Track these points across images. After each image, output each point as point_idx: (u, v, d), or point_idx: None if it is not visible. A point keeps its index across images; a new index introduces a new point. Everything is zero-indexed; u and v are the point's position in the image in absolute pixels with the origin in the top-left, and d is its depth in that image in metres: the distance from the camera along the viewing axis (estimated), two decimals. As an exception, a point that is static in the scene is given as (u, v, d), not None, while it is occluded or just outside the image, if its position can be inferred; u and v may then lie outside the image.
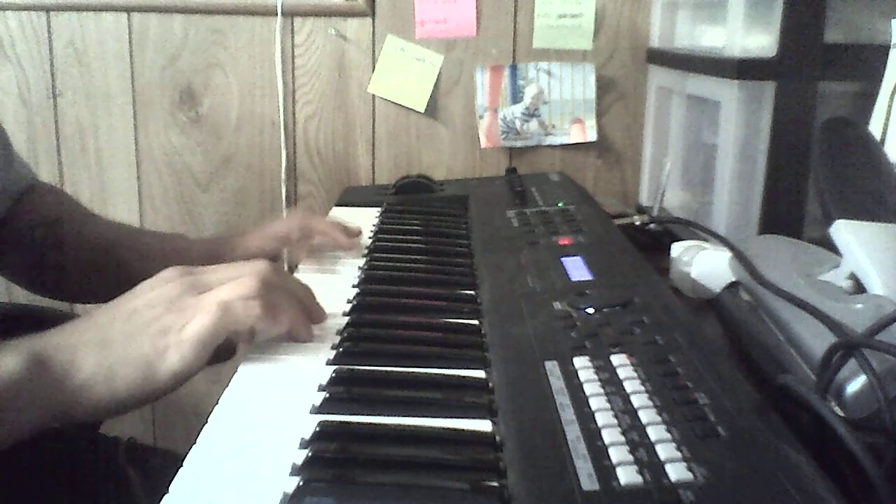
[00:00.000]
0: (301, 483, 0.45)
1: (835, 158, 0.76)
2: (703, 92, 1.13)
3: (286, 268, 1.25)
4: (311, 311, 0.67)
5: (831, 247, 0.72)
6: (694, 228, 1.02)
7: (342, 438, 0.51)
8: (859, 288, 0.68)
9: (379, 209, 1.10)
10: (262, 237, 0.96)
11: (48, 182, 1.04)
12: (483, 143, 1.42)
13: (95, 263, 0.95)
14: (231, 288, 0.60)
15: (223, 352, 0.62)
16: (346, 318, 0.70)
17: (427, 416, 0.54)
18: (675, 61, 1.25)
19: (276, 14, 1.38)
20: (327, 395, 0.56)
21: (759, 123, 0.99)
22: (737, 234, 0.98)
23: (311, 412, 0.55)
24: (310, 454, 0.48)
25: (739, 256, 0.79)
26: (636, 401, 0.51)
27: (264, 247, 0.95)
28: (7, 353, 0.55)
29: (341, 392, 0.56)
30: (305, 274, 0.86)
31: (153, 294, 0.60)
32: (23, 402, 0.54)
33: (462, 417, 0.53)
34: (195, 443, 0.50)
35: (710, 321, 0.81)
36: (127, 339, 0.57)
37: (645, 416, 0.49)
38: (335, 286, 0.79)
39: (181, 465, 0.48)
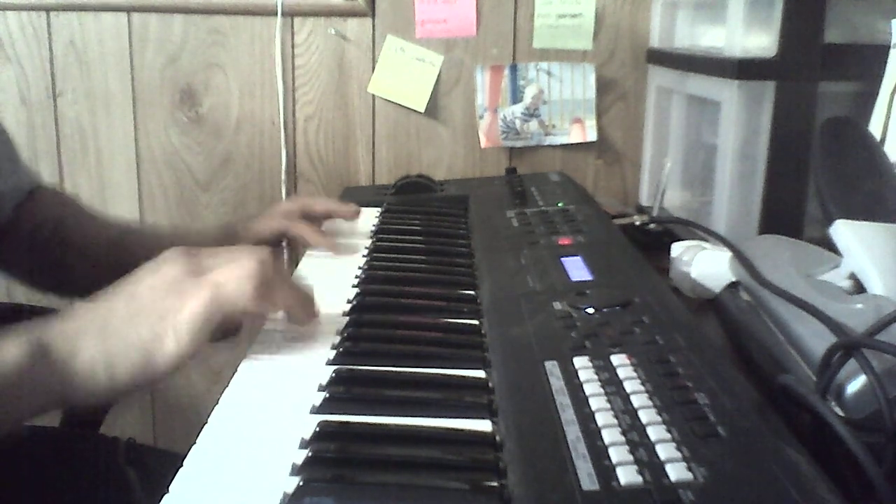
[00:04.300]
0: (301, 483, 0.45)
1: (835, 158, 0.76)
2: (703, 92, 1.13)
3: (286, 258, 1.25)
4: (307, 302, 0.67)
5: (831, 247, 0.72)
6: (694, 228, 1.02)
7: (342, 438, 0.51)
8: (859, 288, 0.68)
9: (379, 209, 1.10)
10: (265, 220, 0.98)
11: (50, 183, 1.04)
12: (483, 143, 1.42)
13: (102, 261, 0.96)
14: (226, 270, 0.60)
15: (228, 329, 0.62)
16: (346, 318, 0.70)
17: (427, 416, 0.54)
18: (675, 61, 1.25)
19: (276, 14, 1.38)
20: (327, 395, 0.56)
21: (759, 123, 0.99)
22: (737, 234, 0.98)
23: (311, 412, 0.55)
24: (310, 454, 0.48)
25: (739, 256, 0.79)
26: (636, 401, 0.51)
27: (269, 229, 0.97)
28: (10, 341, 0.56)
29: (341, 392, 0.56)
30: (306, 273, 0.86)
31: (152, 278, 0.61)
32: (26, 388, 0.55)
33: (462, 417, 0.53)
34: (195, 443, 0.50)
35: (710, 321, 0.81)
36: (126, 324, 0.58)
37: (645, 416, 0.49)
38: (335, 286, 0.79)
39: (181, 465, 0.48)
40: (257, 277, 0.60)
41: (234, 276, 0.60)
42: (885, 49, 0.90)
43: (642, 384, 0.53)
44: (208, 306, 0.58)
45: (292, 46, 1.41)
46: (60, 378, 0.56)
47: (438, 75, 1.40)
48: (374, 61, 1.41)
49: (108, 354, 0.57)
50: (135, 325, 0.58)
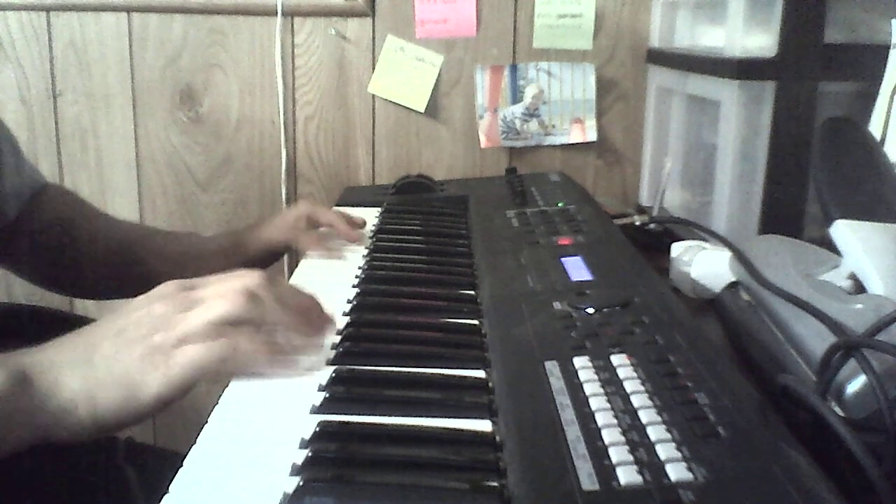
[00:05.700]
0: (301, 483, 0.45)
1: (835, 158, 0.76)
2: (703, 92, 1.13)
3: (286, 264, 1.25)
4: (311, 320, 0.65)
5: (831, 247, 0.72)
6: (694, 228, 1.02)
7: (342, 438, 0.51)
8: (859, 288, 0.68)
9: (379, 209, 1.10)
10: (272, 229, 0.98)
11: (56, 183, 1.04)
12: (483, 143, 1.42)
13: (112, 262, 0.96)
14: (219, 306, 0.58)
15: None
16: (346, 318, 0.70)
17: (427, 416, 0.54)
18: (675, 61, 1.25)
19: (276, 14, 1.38)
20: (327, 395, 0.56)
21: (759, 123, 0.99)
22: (737, 234, 0.98)
23: (311, 412, 0.55)
24: (310, 454, 0.48)
25: (739, 256, 0.79)
26: (636, 401, 0.51)
27: (275, 238, 0.98)
28: None
29: (341, 392, 0.56)
30: (306, 273, 0.86)
31: (142, 312, 0.58)
32: (4, 419, 0.52)
33: (462, 417, 0.53)
34: (195, 443, 0.50)
35: (710, 321, 0.81)
36: (112, 359, 0.55)
37: (645, 416, 0.49)
38: (335, 286, 0.79)
39: (181, 465, 0.48)
40: (253, 318, 0.58)
41: (228, 315, 0.57)
42: (885, 49, 0.90)
43: (642, 384, 0.53)
44: (209, 362, 0.56)
45: (292, 46, 1.41)
46: (40, 410, 0.53)
47: (438, 75, 1.40)
48: (374, 61, 1.41)
49: (91, 389, 0.54)
50: (120, 360, 0.55)
